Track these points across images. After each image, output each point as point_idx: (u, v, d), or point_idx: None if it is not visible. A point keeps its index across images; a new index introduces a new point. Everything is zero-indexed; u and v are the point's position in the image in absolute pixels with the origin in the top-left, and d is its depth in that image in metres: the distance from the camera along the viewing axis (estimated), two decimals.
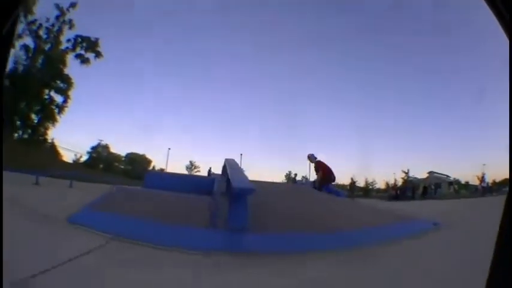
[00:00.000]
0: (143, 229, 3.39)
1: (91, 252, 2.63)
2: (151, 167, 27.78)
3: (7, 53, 0.77)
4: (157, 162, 28.85)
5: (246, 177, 4.71)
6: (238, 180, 4.03)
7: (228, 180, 4.47)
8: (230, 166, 5.11)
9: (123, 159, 29.87)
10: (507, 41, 0.87)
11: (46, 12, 17.38)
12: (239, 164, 6.28)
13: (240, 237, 3.35)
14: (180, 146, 35.30)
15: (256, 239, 3.33)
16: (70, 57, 18.37)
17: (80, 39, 18.06)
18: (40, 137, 18.21)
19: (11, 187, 4.28)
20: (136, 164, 28.27)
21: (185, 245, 3.02)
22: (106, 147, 29.08)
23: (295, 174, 22.91)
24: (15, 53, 15.86)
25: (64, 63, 17.99)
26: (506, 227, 0.85)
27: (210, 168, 14.79)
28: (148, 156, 29.33)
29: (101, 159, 28.99)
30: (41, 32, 17.15)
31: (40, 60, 17.18)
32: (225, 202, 4.26)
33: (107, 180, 12.07)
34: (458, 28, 22.96)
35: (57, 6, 17.60)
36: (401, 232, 3.98)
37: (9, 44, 0.73)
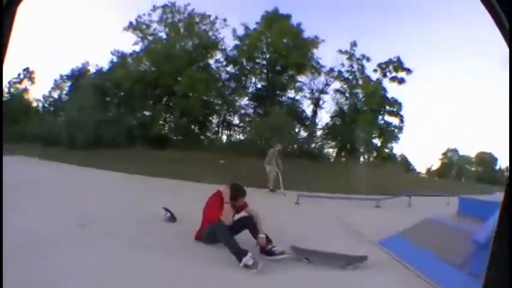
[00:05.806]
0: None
1: None
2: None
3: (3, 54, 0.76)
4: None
5: None
6: None
7: None
8: None
9: (473, 160, 25.02)
10: (507, 50, 0.86)
11: None
12: None
13: None
14: None
15: None
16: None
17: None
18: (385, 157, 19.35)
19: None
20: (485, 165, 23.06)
21: None
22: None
23: None
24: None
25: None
26: (505, 227, 0.84)
27: None
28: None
29: (452, 165, 24.83)
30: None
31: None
32: None
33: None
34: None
35: None
36: None
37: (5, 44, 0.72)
